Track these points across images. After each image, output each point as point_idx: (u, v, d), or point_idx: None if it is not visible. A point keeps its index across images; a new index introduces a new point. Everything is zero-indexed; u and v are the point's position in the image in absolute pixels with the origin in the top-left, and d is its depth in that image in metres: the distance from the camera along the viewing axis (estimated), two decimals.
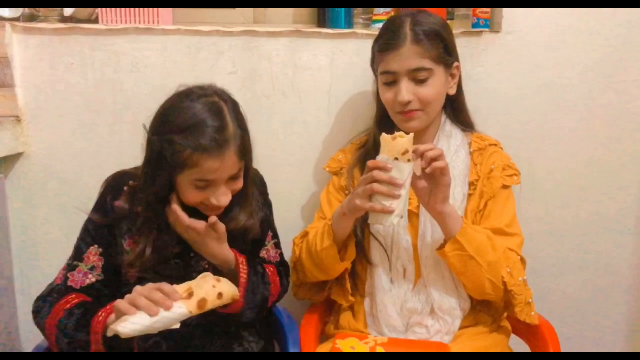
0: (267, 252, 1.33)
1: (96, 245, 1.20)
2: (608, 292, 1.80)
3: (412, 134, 1.16)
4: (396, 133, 1.16)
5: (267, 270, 1.28)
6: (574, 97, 1.67)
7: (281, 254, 1.36)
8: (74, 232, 1.28)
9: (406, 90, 1.27)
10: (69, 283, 1.18)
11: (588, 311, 1.81)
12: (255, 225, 1.25)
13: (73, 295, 1.16)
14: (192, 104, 1.09)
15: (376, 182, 1.15)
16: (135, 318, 0.97)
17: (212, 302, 1.04)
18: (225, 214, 1.21)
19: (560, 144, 1.70)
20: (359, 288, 1.40)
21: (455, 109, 1.41)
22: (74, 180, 1.61)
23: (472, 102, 1.45)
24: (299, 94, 1.60)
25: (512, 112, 1.66)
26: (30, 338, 1.62)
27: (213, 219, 1.15)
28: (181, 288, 1.03)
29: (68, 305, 1.12)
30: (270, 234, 1.34)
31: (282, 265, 1.36)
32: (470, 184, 1.34)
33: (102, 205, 1.21)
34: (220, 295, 1.05)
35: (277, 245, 1.36)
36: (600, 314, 1.82)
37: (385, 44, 1.30)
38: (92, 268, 1.19)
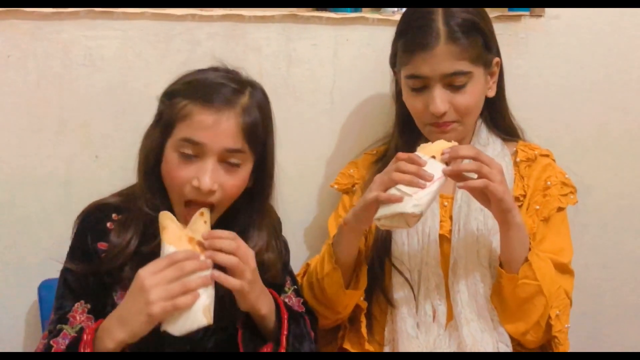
0: (290, 299, 1.24)
1: (82, 302, 1.09)
2: None
3: (456, 143, 1.14)
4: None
5: (305, 320, 1.19)
6: (637, 96, 1.59)
7: (305, 303, 1.26)
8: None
9: (441, 100, 1.19)
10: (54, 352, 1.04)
11: None
12: (276, 263, 1.18)
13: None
14: (213, 71, 1.12)
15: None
16: (192, 312, 0.94)
17: None
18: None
19: (621, 155, 1.61)
20: (375, 334, 1.31)
21: (494, 113, 1.33)
22: (8, 207, 1.40)
23: (510, 102, 1.36)
24: (295, 93, 1.49)
25: (560, 115, 1.58)
26: None
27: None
28: (180, 239, 0.99)
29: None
30: (289, 279, 1.26)
31: (311, 314, 1.25)
32: (515, 199, 1.24)
33: (82, 249, 1.11)
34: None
35: (299, 293, 1.26)
36: None
37: (412, 42, 1.21)
38: (82, 330, 1.05)
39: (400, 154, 1.12)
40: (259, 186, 1.15)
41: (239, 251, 1.00)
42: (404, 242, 1.27)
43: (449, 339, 1.23)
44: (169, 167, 1.08)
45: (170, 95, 1.09)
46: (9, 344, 1.37)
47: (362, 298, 1.26)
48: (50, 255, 1.34)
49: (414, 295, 1.25)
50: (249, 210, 1.14)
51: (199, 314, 0.94)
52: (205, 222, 1.03)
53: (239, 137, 1.06)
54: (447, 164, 1.10)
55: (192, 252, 0.97)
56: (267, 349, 1.07)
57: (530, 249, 1.15)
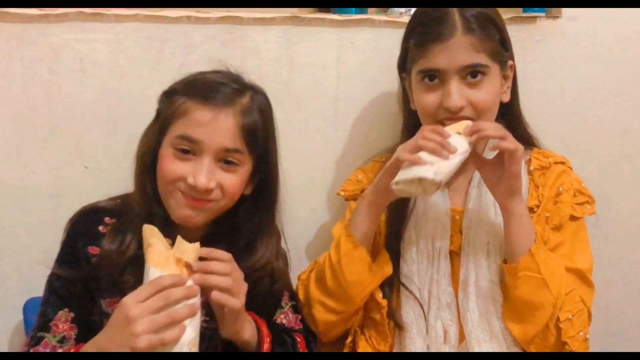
0: (286, 315, 1.23)
1: (67, 309, 1.09)
2: None
3: None
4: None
5: (296, 340, 1.19)
6: None
7: (303, 320, 1.25)
8: None
9: (458, 94, 1.17)
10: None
11: None
12: (285, 271, 1.21)
13: None
14: (215, 73, 1.12)
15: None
16: (177, 346, 0.92)
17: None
18: (243, 248, 1.13)
19: None
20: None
21: (509, 120, 1.30)
22: None
23: (524, 108, 1.34)
24: (297, 99, 1.47)
25: (578, 123, 1.56)
26: None
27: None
28: (167, 261, 0.96)
29: None
30: (286, 293, 1.25)
31: (308, 333, 1.24)
32: (529, 210, 1.22)
33: (71, 254, 1.11)
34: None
35: (296, 309, 1.26)
36: None
37: (427, 34, 1.20)
38: (63, 340, 1.07)
39: (426, 126, 1.14)
40: (264, 193, 1.15)
41: (234, 273, 0.98)
42: (413, 259, 1.25)
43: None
44: (164, 163, 1.07)
45: (170, 94, 1.10)
46: None
47: (380, 295, 1.24)
48: (36, 271, 1.29)
49: (424, 315, 1.23)
50: (254, 220, 1.14)
51: (185, 348, 0.93)
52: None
53: (237, 137, 1.06)
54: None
55: (179, 277, 0.95)
56: None
57: (536, 243, 1.14)
